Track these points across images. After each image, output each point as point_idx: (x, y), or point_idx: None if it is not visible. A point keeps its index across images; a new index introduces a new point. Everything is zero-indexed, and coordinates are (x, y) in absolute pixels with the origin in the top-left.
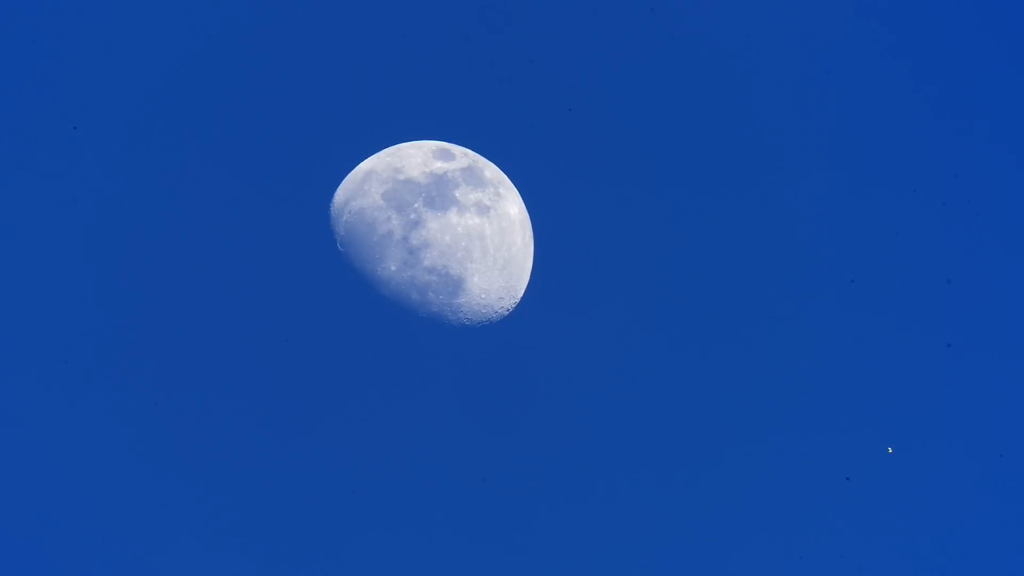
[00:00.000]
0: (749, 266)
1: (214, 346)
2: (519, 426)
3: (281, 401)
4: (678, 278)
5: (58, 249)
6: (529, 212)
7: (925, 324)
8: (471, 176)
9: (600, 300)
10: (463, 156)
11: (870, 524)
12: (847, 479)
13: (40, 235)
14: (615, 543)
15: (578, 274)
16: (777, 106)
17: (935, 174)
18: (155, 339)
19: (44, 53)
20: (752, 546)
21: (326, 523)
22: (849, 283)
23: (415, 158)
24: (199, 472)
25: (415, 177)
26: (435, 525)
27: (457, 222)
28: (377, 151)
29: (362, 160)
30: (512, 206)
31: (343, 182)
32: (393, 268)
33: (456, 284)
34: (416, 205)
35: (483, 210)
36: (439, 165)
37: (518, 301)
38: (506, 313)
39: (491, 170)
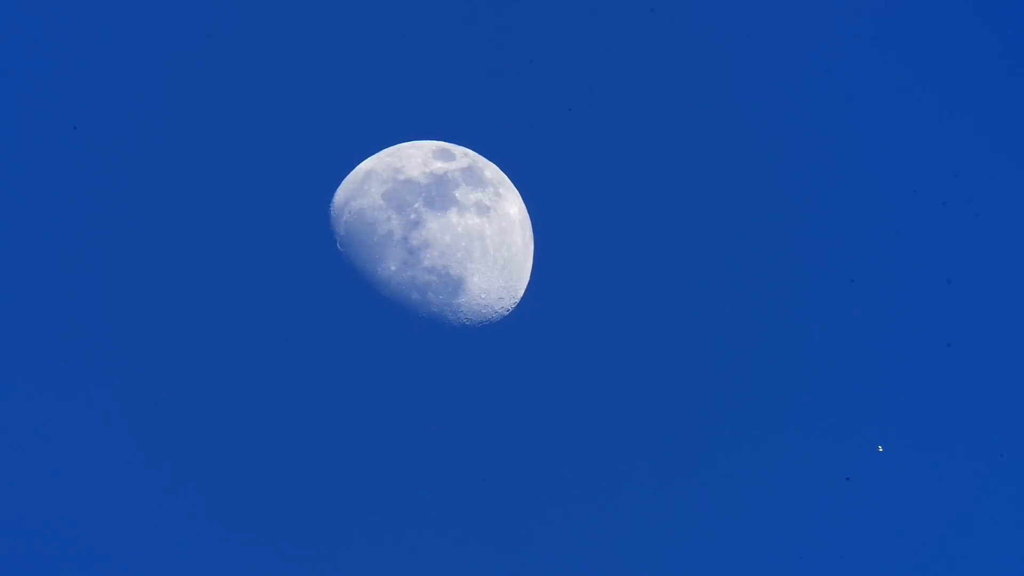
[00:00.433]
0: (749, 266)
1: (214, 346)
2: (519, 426)
3: (281, 401)
4: (678, 278)
5: (58, 249)
6: (529, 212)
7: (925, 324)
8: (471, 176)
9: (600, 300)
10: (463, 156)
11: (870, 524)
12: (847, 479)
13: (40, 235)
14: (615, 543)
15: (578, 274)
16: (777, 106)
17: (935, 174)
18: (155, 339)
19: (44, 53)
20: (752, 546)
21: (326, 523)
22: (849, 283)
23: (415, 158)
24: (199, 472)
25: (415, 177)
26: (435, 525)
27: (457, 222)
28: (377, 151)
29: (362, 160)
30: (512, 206)
31: (343, 182)
32: (393, 268)
33: (456, 284)
34: (416, 205)
35: (483, 210)
36: (439, 165)
37: (518, 301)
38: (506, 313)
39: (491, 170)
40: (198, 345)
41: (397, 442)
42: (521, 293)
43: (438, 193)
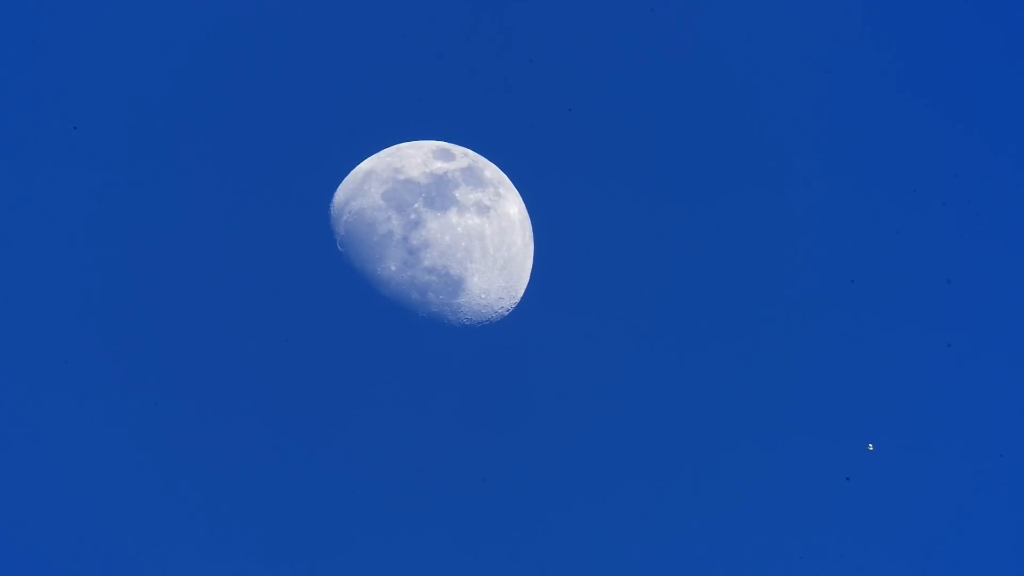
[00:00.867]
0: (749, 266)
1: (214, 346)
2: (519, 426)
3: (281, 401)
4: (678, 278)
5: (58, 249)
6: (529, 212)
7: (925, 324)
8: (471, 176)
9: (600, 300)
10: (463, 156)
11: (870, 524)
12: (847, 479)
13: (40, 235)
14: (615, 543)
15: (578, 274)
16: (777, 106)
17: (935, 174)
18: (155, 339)
19: (44, 53)
20: (752, 546)
21: (327, 523)
22: (849, 283)
23: (415, 158)
24: (199, 472)
25: (415, 177)
26: (435, 525)
27: (457, 222)
28: (377, 151)
29: (362, 160)
30: (512, 206)
31: (343, 182)
32: (393, 268)
33: (456, 284)
34: (416, 205)
35: (483, 210)
36: (439, 165)
37: (518, 301)
38: (506, 313)
39: (491, 170)
40: (198, 345)
41: (397, 442)
42: (521, 293)
43: (438, 193)
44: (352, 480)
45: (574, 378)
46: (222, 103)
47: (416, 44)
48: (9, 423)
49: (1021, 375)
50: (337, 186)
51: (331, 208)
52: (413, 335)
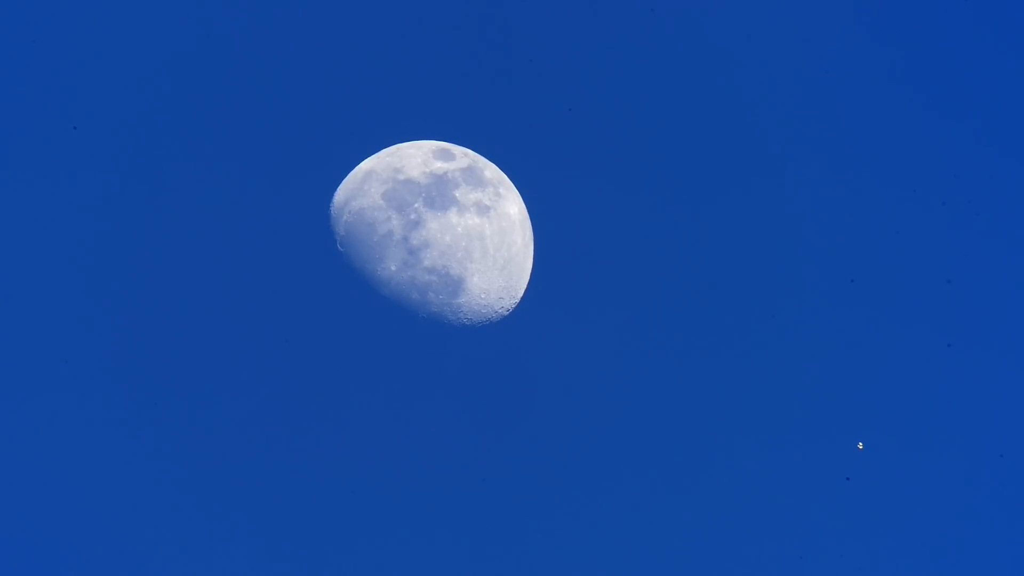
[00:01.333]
0: (749, 266)
1: (214, 346)
2: (519, 426)
3: (281, 401)
4: (678, 278)
5: (58, 249)
6: (529, 212)
7: (925, 324)
8: (471, 176)
9: (600, 300)
10: (463, 156)
11: (870, 524)
12: (847, 479)
13: (40, 235)
14: (615, 543)
15: (578, 274)
16: (777, 106)
17: (935, 174)
18: (155, 339)
19: (44, 53)
20: (752, 546)
21: (326, 523)
22: (849, 283)
23: (415, 158)
24: (199, 472)
25: (415, 177)
26: (435, 525)
27: (457, 222)
28: (377, 151)
29: (362, 160)
30: (512, 206)
31: (343, 182)
32: (393, 268)
33: (456, 284)
34: (416, 205)
35: (483, 210)
36: (439, 165)
37: (518, 301)
38: (506, 313)
39: (491, 170)
40: (198, 345)
41: (397, 442)
42: (521, 293)
43: (438, 193)
44: (352, 480)
45: (574, 378)
46: (222, 103)
47: (416, 44)
48: (9, 423)
49: (1021, 375)
50: (337, 186)
51: (331, 208)
52: (413, 335)
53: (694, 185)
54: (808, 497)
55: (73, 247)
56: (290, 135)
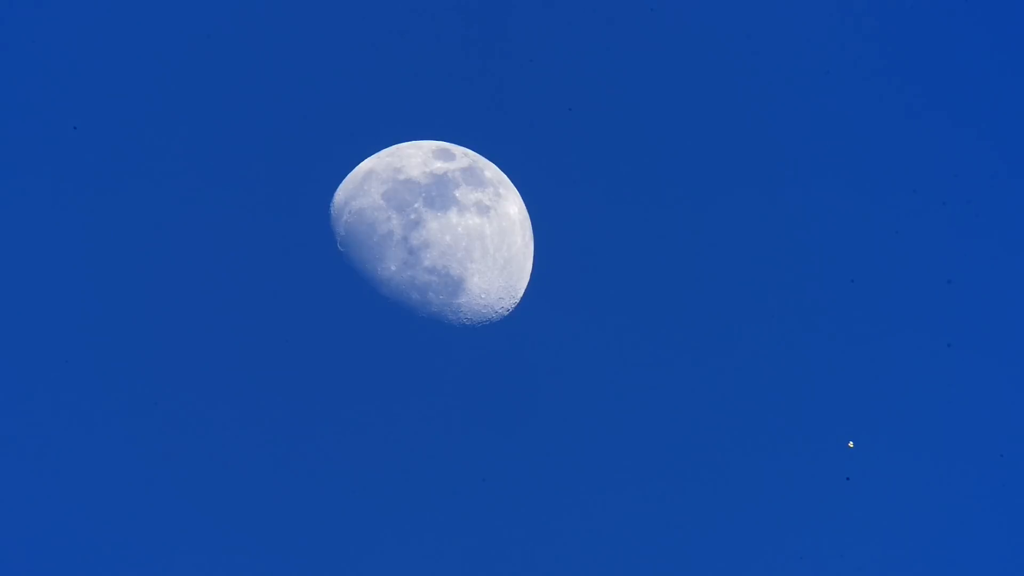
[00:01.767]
0: (749, 266)
1: (214, 346)
2: (519, 426)
3: (281, 401)
4: (678, 278)
5: (58, 249)
6: (529, 212)
7: (925, 324)
8: (471, 176)
9: (600, 300)
10: (463, 156)
11: (870, 524)
12: (847, 479)
13: (40, 235)
14: (616, 543)
15: (578, 274)
16: (777, 106)
17: (935, 174)
18: (155, 340)
19: (44, 53)
20: (753, 546)
21: (326, 523)
22: (849, 283)
23: (415, 158)
24: (199, 472)
25: (415, 177)
26: (435, 525)
27: (457, 222)
28: (377, 151)
29: (362, 160)
30: (512, 206)
31: (343, 182)
32: (393, 268)
33: (456, 284)
34: (416, 205)
35: (483, 210)
36: (439, 165)
37: (518, 301)
38: (506, 313)
39: (491, 170)
40: (198, 345)
41: (397, 442)
42: (521, 293)
43: (438, 193)
44: (352, 480)
45: (574, 378)
46: (222, 103)
47: (416, 44)
48: (9, 423)
49: (1021, 375)
50: (337, 186)
51: (331, 208)
52: (413, 335)
53: (694, 185)
54: (808, 497)
55: (73, 247)
56: (290, 135)
